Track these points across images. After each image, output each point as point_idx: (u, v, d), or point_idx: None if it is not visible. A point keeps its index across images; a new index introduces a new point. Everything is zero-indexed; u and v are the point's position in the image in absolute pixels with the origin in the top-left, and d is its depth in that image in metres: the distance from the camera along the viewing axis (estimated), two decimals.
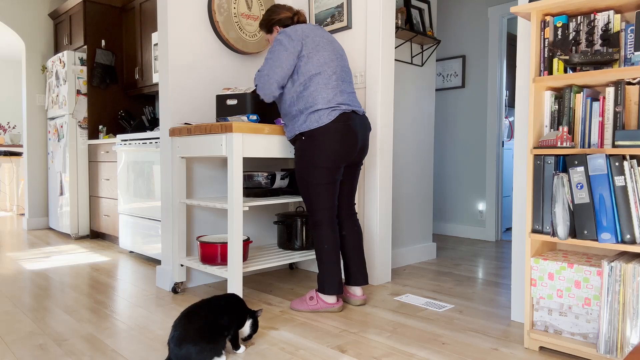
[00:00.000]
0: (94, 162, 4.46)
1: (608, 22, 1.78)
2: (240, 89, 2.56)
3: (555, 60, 1.85)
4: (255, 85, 2.31)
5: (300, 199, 2.60)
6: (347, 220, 2.48)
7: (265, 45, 3.07)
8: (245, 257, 2.48)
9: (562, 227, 1.76)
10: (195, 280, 2.81)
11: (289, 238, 2.80)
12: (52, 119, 4.87)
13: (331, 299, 2.32)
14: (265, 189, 2.64)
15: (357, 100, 2.38)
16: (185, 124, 2.59)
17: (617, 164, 1.65)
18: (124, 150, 3.73)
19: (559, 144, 1.78)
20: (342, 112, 2.23)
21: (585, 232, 1.72)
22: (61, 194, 4.63)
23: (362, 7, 2.86)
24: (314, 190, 2.28)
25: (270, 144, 2.38)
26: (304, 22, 2.44)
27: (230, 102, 2.51)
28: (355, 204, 2.53)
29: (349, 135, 2.24)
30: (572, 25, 1.85)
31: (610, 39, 1.76)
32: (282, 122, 2.45)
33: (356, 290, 2.44)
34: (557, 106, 1.88)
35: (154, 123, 4.39)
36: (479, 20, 4.50)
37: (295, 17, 2.41)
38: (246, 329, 1.84)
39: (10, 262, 3.42)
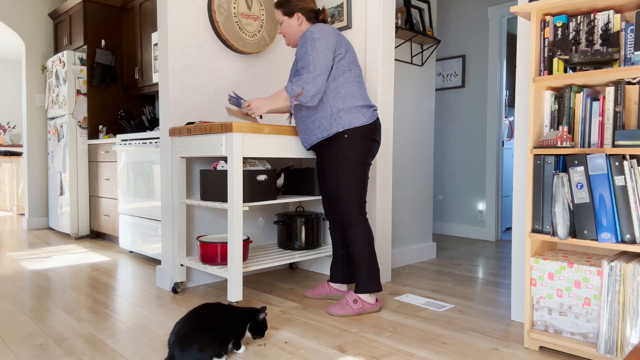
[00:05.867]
0: (94, 162, 4.46)
1: (608, 22, 1.78)
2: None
3: (555, 60, 1.85)
4: (302, 88, 2.14)
5: (300, 198, 2.60)
6: None
7: (264, 45, 3.06)
8: (245, 257, 2.48)
9: (562, 227, 1.76)
10: (195, 280, 2.81)
11: (289, 238, 2.80)
12: (52, 119, 4.87)
13: (373, 299, 2.29)
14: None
15: None
16: (188, 123, 2.58)
17: (617, 163, 1.65)
18: (124, 150, 3.73)
19: (559, 144, 1.78)
20: (375, 110, 2.30)
21: (585, 231, 1.72)
22: (61, 194, 4.63)
23: (362, 7, 2.86)
24: (352, 188, 2.23)
25: (270, 143, 2.37)
26: (326, 22, 2.36)
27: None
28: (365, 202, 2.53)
29: (380, 134, 2.32)
30: (572, 25, 1.85)
31: (610, 38, 1.76)
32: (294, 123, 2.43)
33: (343, 287, 2.52)
34: (557, 106, 1.88)
35: (154, 123, 4.39)
36: (479, 20, 4.50)
37: (320, 15, 2.34)
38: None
39: (11, 262, 3.42)
